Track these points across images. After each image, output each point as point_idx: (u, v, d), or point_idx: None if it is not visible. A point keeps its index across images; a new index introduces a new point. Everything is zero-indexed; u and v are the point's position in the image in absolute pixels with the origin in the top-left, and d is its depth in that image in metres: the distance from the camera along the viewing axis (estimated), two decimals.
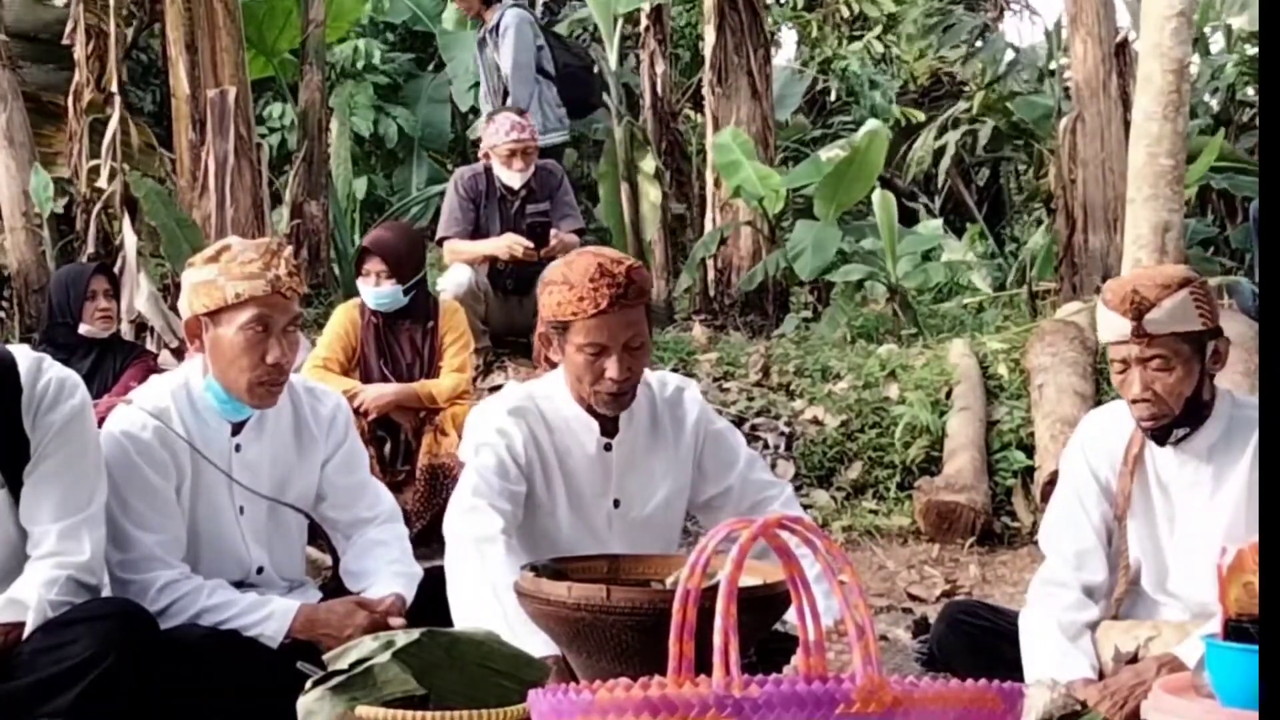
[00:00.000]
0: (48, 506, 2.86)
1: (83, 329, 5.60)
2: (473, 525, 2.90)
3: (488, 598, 2.76)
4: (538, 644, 2.57)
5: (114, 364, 5.64)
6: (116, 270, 6.95)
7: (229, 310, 2.98)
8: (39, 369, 2.91)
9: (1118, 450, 3.05)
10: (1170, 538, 3.03)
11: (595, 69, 8.55)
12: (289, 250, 3.10)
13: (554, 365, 3.10)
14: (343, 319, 5.53)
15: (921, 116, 12.09)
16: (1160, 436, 2.97)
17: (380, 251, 5.38)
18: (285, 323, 3.02)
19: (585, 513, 3.11)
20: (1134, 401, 2.94)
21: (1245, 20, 8.90)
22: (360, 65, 11.23)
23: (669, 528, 3.21)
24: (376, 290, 5.38)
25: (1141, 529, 3.05)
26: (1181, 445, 2.99)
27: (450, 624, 2.71)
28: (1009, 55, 13.08)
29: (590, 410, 3.05)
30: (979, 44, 13.45)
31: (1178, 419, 2.93)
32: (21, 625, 2.78)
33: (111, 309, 5.69)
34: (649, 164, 8.53)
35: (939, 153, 10.23)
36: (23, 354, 2.93)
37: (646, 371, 3.19)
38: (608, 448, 3.09)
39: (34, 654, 2.75)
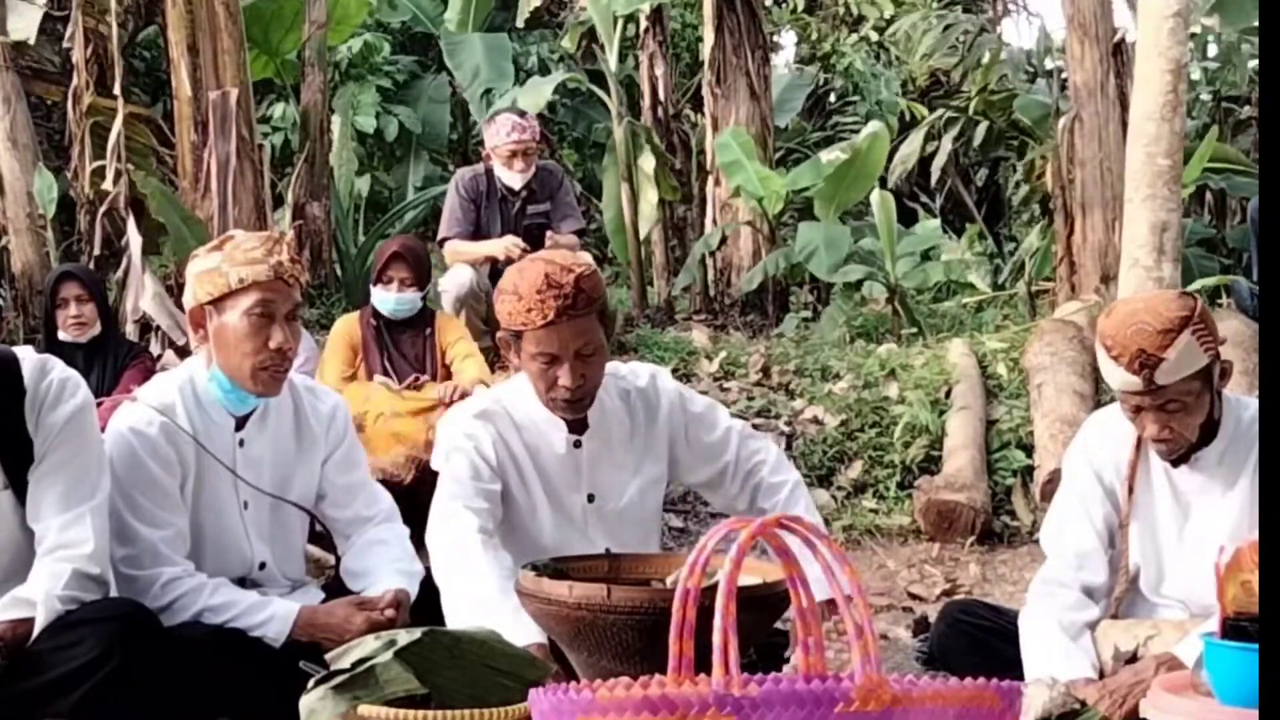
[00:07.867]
0: (50, 500, 2.88)
1: (60, 335, 5.61)
2: (450, 528, 2.95)
3: (471, 594, 2.80)
4: (521, 632, 2.61)
5: (111, 364, 5.63)
6: (121, 271, 6.97)
7: (232, 296, 3.01)
8: (43, 369, 2.93)
9: (1121, 452, 3.06)
10: (1178, 542, 3.03)
11: None
12: (290, 237, 3.13)
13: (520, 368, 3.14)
14: (341, 333, 5.65)
15: (927, 112, 12.07)
16: (1177, 461, 2.99)
17: (412, 259, 5.55)
18: (288, 309, 3.05)
19: (564, 510, 3.15)
20: (1152, 439, 2.94)
21: (1216, 22, 8.90)
22: (371, 62, 11.20)
23: (646, 518, 3.25)
24: (399, 296, 5.54)
25: (1144, 533, 3.05)
26: (1194, 460, 3.00)
27: None
28: (1006, 55, 13.07)
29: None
30: (977, 44, 13.44)
31: (1194, 444, 2.95)
32: (31, 622, 2.78)
33: (84, 314, 5.61)
34: (649, 163, 8.54)
35: (931, 156, 10.22)
36: (28, 355, 2.95)
37: (618, 364, 3.24)
38: (577, 444, 3.13)
39: (40, 655, 2.76)
